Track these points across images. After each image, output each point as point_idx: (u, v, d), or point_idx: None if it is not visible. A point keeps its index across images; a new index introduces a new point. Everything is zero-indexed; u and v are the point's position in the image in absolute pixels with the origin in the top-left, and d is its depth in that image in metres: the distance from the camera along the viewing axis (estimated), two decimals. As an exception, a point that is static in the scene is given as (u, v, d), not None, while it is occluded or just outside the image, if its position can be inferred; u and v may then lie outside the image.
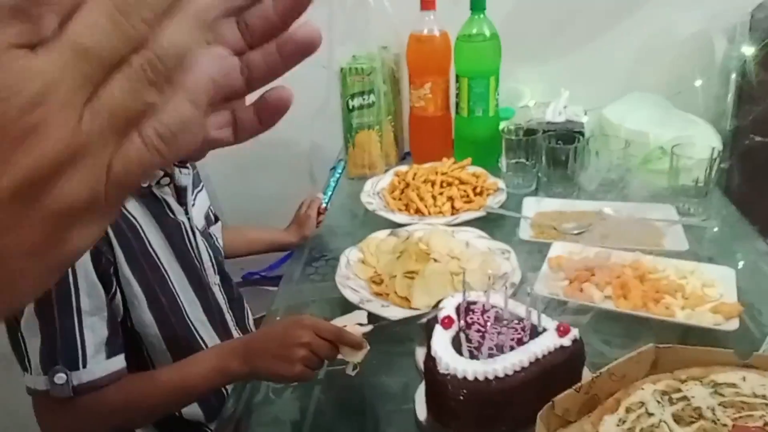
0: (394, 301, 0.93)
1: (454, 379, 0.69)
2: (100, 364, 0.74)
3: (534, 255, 1.04)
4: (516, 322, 0.75)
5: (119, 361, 0.77)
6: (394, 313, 0.90)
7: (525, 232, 1.11)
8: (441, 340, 0.73)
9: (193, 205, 0.92)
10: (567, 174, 1.23)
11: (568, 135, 1.25)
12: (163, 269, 0.81)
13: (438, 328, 0.75)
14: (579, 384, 0.66)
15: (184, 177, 0.89)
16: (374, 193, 1.26)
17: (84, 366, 0.73)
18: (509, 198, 1.23)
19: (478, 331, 0.74)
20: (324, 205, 1.19)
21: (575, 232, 1.10)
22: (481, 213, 1.17)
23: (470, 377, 0.68)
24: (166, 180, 0.83)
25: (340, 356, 0.76)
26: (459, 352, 0.71)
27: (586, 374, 0.73)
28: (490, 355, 0.70)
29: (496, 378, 0.68)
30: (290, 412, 0.78)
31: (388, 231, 1.10)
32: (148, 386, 0.78)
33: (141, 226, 0.79)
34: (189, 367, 0.78)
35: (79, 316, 0.72)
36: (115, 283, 0.75)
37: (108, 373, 0.75)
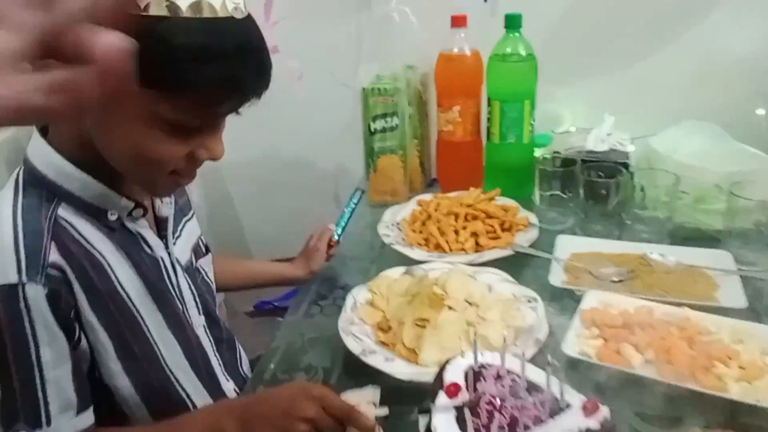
0: (400, 353, 0.83)
1: (455, 464, 0.58)
2: (68, 421, 0.65)
3: (565, 304, 0.92)
4: (535, 394, 0.64)
5: (89, 417, 0.68)
6: (398, 369, 0.79)
7: (557, 276, 0.98)
8: (443, 413, 0.63)
9: (179, 236, 0.84)
10: (608, 210, 1.11)
11: (611, 167, 1.13)
12: (135, 311, 0.72)
13: (441, 396, 0.64)
14: None
15: (165, 207, 0.80)
16: (393, 224, 1.16)
17: (48, 424, 0.64)
18: (542, 235, 1.11)
19: (489, 403, 0.63)
20: (335, 238, 1.10)
21: (614, 279, 0.97)
22: (508, 252, 1.05)
23: (475, 463, 0.57)
24: (140, 212, 0.74)
25: None
26: (463, 429, 0.60)
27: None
28: (501, 437, 0.59)
29: (507, 466, 0.57)
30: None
31: (403, 269, 1.00)
32: None
33: (109, 264, 0.70)
34: (178, 428, 0.70)
35: (40, 370, 0.63)
36: (78, 329, 0.67)
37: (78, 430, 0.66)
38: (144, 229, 0.76)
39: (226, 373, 0.88)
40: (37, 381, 0.64)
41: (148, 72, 0.61)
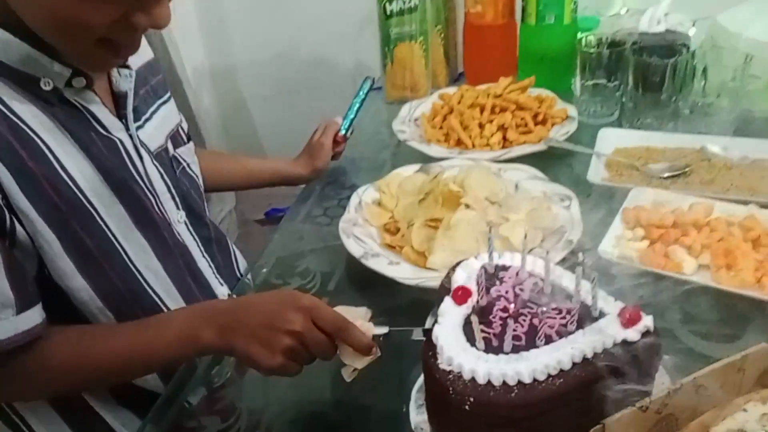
0: (407, 256, 0.72)
1: (458, 380, 0.48)
2: (5, 320, 0.56)
3: (605, 204, 0.78)
4: (561, 301, 0.52)
5: (33, 316, 0.58)
6: (403, 273, 0.68)
7: (596, 173, 0.84)
8: (448, 322, 0.52)
9: (148, 119, 0.72)
10: (661, 99, 0.94)
11: (667, 48, 0.95)
12: (84, 201, 0.61)
13: (448, 302, 0.53)
14: (647, 399, 0.45)
15: (123, 81, 0.67)
16: (410, 120, 1.03)
17: None
18: (581, 129, 0.96)
19: (504, 310, 0.52)
20: (342, 132, 0.97)
21: (666, 174, 0.82)
22: (540, 147, 0.91)
23: (481, 380, 0.47)
24: (81, 81, 0.61)
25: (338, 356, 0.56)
26: (471, 340, 0.49)
27: (661, 384, 0.50)
28: (516, 349, 0.48)
29: (521, 384, 0.47)
30: (257, 397, 0.60)
31: (417, 166, 0.88)
32: (96, 348, 0.61)
33: (44, 142, 0.58)
34: (150, 330, 0.61)
35: None
36: (9, 218, 0.57)
37: (16, 333, 0.56)
38: (94, 105, 0.63)
39: (219, 276, 0.78)
40: None
41: None
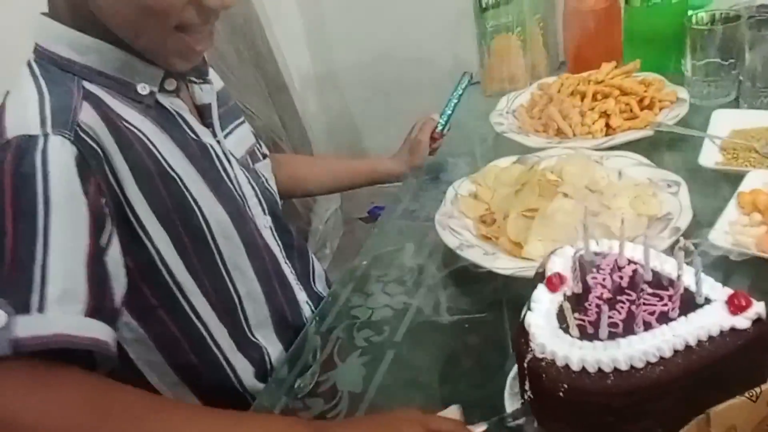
0: (503, 247, 0.71)
1: (551, 367, 0.47)
2: (70, 317, 0.50)
3: (719, 190, 0.74)
4: (662, 287, 0.50)
5: (103, 330, 0.52)
6: (498, 263, 0.68)
7: (709, 156, 0.79)
8: (541, 308, 0.51)
9: (229, 133, 0.75)
10: (784, 75, 0.87)
11: (790, 20, 0.88)
12: (190, 199, 0.63)
13: (541, 289, 0.53)
14: (757, 389, 0.43)
15: (205, 94, 0.71)
16: (509, 112, 1.02)
17: (40, 311, 0.49)
18: (694, 112, 0.90)
19: (600, 297, 0.51)
20: (440, 129, 0.98)
21: (789, 156, 0.76)
22: (647, 132, 0.87)
23: (575, 366, 0.46)
24: (172, 84, 0.65)
25: None
26: (565, 327, 0.49)
27: (775, 375, 0.47)
28: (612, 336, 0.47)
29: (617, 371, 0.46)
30: (352, 378, 0.62)
31: (514, 158, 0.87)
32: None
33: (152, 142, 0.60)
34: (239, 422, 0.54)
35: (45, 238, 0.50)
36: (110, 217, 0.56)
37: (80, 335, 0.50)
38: (183, 111, 0.67)
39: (299, 282, 0.80)
40: (39, 252, 0.50)
41: None
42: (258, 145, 0.84)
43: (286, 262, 0.78)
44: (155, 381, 0.67)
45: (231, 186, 0.70)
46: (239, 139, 0.77)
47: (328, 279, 0.90)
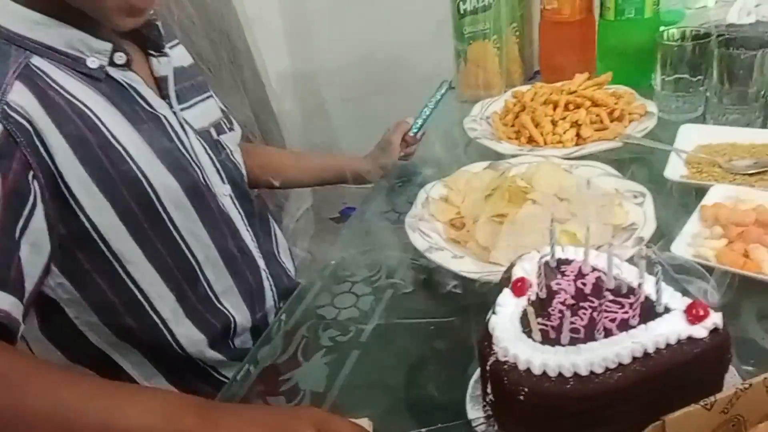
0: (472, 251, 0.72)
1: (513, 370, 0.48)
2: None
3: (682, 202, 0.75)
4: (624, 295, 0.51)
5: (5, 300, 0.54)
6: (466, 266, 0.68)
7: (675, 169, 0.81)
8: (505, 312, 0.52)
9: (190, 105, 0.77)
10: (749, 93, 0.89)
11: (757, 40, 0.90)
12: (136, 170, 0.65)
13: (506, 293, 0.53)
14: (712, 398, 0.44)
15: (162, 67, 0.73)
16: (482, 118, 1.03)
17: None
18: (662, 126, 0.92)
19: (563, 303, 0.51)
20: (413, 133, 0.98)
21: (751, 171, 0.78)
22: (615, 143, 0.89)
23: (537, 370, 0.47)
24: (122, 57, 0.66)
25: None
26: (528, 331, 0.49)
27: (731, 383, 0.48)
28: (573, 341, 0.48)
29: (577, 376, 0.46)
30: (316, 377, 0.62)
31: (486, 163, 0.87)
32: (33, 389, 0.48)
33: (96, 115, 0.62)
34: (113, 401, 0.49)
35: None
36: (39, 189, 0.58)
37: None
38: (137, 83, 0.68)
39: (259, 250, 0.82)
40: None
41: None
42: (225, 120, 0.85)
43: (247, 230, 0.80)
44: (96, 340, 0.70)
45: (185, 155, 0.72)
46: (202, 112, 0.79)
47: (292, 253, 0.92)
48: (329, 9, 1.63)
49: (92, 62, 0.65)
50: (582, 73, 1.02)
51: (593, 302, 0.51)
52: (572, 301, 0.51)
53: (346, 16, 1.61)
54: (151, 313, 0.71)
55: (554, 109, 0.95)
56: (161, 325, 0.72)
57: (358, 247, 0.82)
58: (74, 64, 0.64)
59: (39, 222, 0.60)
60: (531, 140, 0.93)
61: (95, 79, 0.65)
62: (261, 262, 0.82)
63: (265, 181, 0.98)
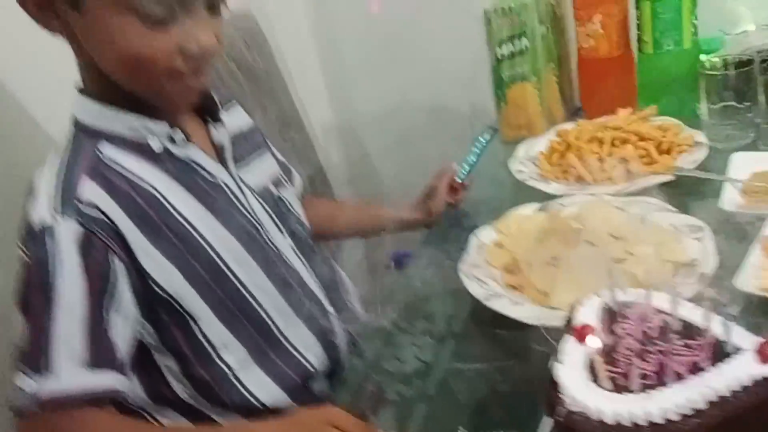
0: (530, 296, 0.72)
1: (585, 420, 0.48)
2: (77, 372, 0.61)
3: (742, 234, 0.74)
4: (691, 337, 0.51)
5: (108, 379, 0.63)
6: (526, 313, 0.69)
7: (731, 200, 0.80)
8: (571, 360, 0.52)
9: (248, 165, 0.81)
10: (801, 117, 0.88)
11: (804, 62, 0.89)
12: (197, 236, 0.70)
13: (569, 340, 0.54)
14: None
15: (220, 133, 0.77)
16: (528, 159, 1.04)
17: (48, 369, 0.61)
18: (713, 155, 0.92)
19: (629, 349, 0.51)
20: (459, 179, 1.00)
21: (812, 198, 0.77)
22: (667, 177, 0.88)
23: (610, 420, 0.47)
24: (179, 134, 0.71)
25: None
26: (596, 380, 0.49)
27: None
28: (645, 388, 0.47)
29: (652, 425, 0.45)
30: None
31: (536, 205, 0.88)
32: None
33: (161, 194, 0.68)
34: None
35: (53, 310, 0.61)
36: (115, 271, 0.65)
37: (84, 390, 0.61)
38: (197, 155, 0.73)
39: (326, 296, 0.84)
40: (50, 325, 0.62)
41: None
42: (284, 174, 0.89)
43: (313, 279, 0.83)
44: (180, 390, 0.74)
45: (246, 215, 0.76)
46: (261, 171, 0.83)
47: (360, 296, 0.95)
48: (367, 60, 1.68)
49: (154, 143, 0.70)
50: (624, 107, 1.02)
51: (661, 346, 0.51)
52: (639, 346, 0.51)
53: (383, 65, 1.66)
54: (221, 364, 0.74)
55: (600, 146, 0.95)
56: (232, 377, 0.74)
57: (415, 296, 0.83)
58: (138, 147, 0.70)
59: (125, 294, 0.66)
60: (579, 179, 0.94)
61: (158, 158, 0.71)
62: (330, 308, 0.84)
63: (324, 232, 1.01)
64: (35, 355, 0.61)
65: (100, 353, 0.63)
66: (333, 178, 1.62)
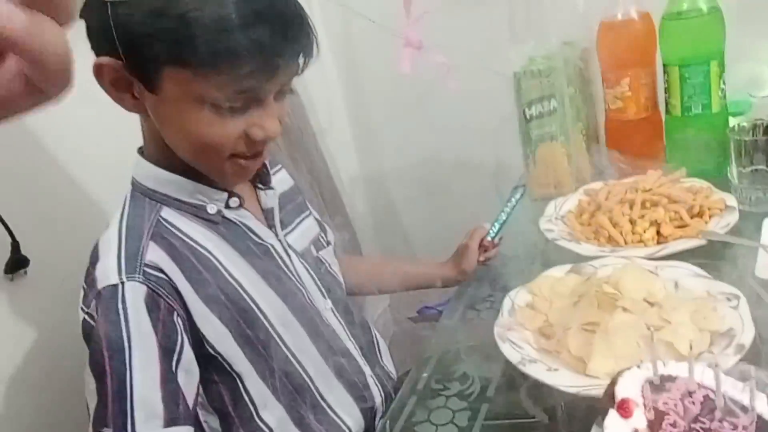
0: (566, 362, 0.72)
1: (630, 498, 0.47)
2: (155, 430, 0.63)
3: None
4: (735, 414, 0.50)
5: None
6: (562, 380, 0.69)
7: (765, 267, 0.80)
8: (615, 436, 0.52)
9: (293, 228, 0.85)
10: (833, 183, 0.88)
11: (833, 128, 0.90)
12: (247, 298, 0.73)
13: (612, 415, 0.54)
14: None
15: (269, 199, 0.82)
16: (557, 218, 1.05)
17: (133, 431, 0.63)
18: (744, 219, 0.92)
19: (674, 425, 0.51)
20: (490, 238, 1.01)
21: None
22: (699, 242, 0.88)
23: (655, 499, 0.46)
24: (236, 201, 0.76)
25: None
26: (641, 456, 0.49)
27: None
28: (690, 468, 0.47)
29: (699, 506, 0.45)
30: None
31: (568, 267, 0.89)
32: None
33: (215, 257, 0.72)
34: None
35: (131, 374, 0.63)
36: (181, 331, 0.67)
37: None
38: (248, 219, 0.77)
39: (363, 357, 0.87)
40: (128, 386, 0.63)
41: (174, 49, 0.61)
42: (322, 234, 0.92)
43: (349, 339, 0.85)
44: None
45: (291, 278, 0.79)
46: (302, 233, 0.87)
47: (392, 355, 0.97)
48: (393, 114, 1.71)
49: (211, 208, 0.74)
50: (653, 168, 1.03)
51: (705, 423, 0.51)
52: (683, 423, 0.51)
53: (410, 121, 1.70)
54: (260, 424, 0.75)
55: (631, 207, 0.96)
56: None
57: (449, 357, 0.83)
58: (196, 212, 0.74)
59: (188, 352, 0.68)
60: (611, 240, 0.94)
61: (213, 222, 0.74)
62: (366, 369, 0.87)
63: (359, 290, 1.04)
64: (117, 418, 0.62)
65: (176, 410, 0.65)
66: (358, 227, 1.65)
